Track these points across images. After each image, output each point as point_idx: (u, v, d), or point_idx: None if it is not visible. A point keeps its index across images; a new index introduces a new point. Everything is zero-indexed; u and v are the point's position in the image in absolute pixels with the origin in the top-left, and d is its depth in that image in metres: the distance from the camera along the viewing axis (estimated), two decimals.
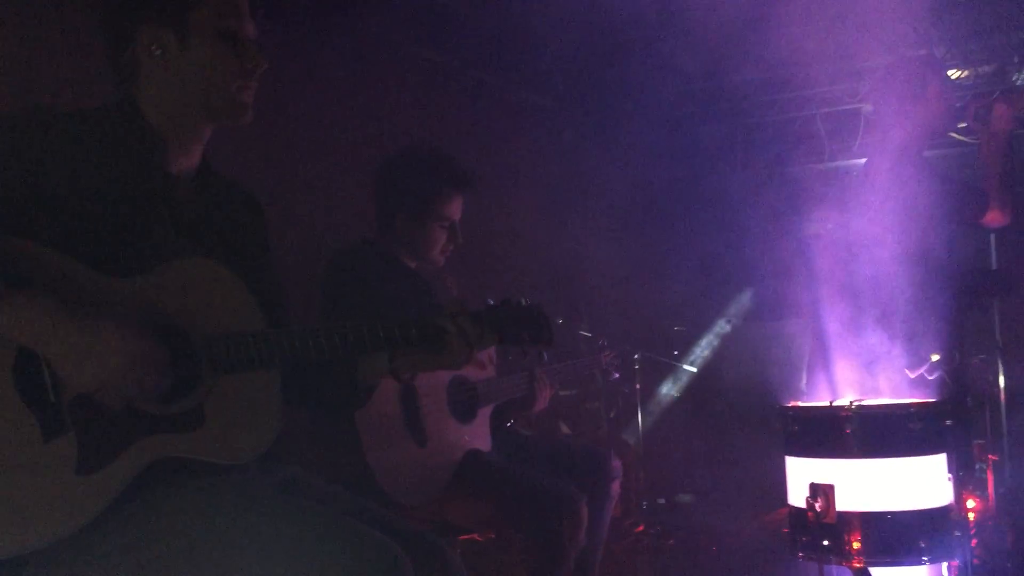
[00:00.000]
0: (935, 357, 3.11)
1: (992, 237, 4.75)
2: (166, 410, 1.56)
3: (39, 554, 1.48)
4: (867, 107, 3.58)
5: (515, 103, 5.66)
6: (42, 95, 3.10)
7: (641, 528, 4.83)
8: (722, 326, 5.57)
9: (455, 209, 2.81)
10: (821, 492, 2.89)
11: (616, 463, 2.83)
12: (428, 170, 2.79)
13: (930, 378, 3.14)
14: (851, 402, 2.97)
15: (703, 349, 5.65)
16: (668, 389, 5.57)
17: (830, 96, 5.14)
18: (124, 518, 1.53)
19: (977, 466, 3.64)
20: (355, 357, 1.85)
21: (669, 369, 5.46)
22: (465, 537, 3.39)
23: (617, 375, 3.84)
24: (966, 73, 5.07)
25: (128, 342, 1.49)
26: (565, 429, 5.08)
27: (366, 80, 4.40)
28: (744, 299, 5.48)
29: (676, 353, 5.53)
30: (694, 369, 5.44)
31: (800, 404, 3.20)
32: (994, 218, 3.42)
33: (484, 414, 2.75)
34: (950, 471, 2.99)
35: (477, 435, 2.71)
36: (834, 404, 3.00)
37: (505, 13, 4.27)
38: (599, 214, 5.76)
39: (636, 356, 5.01)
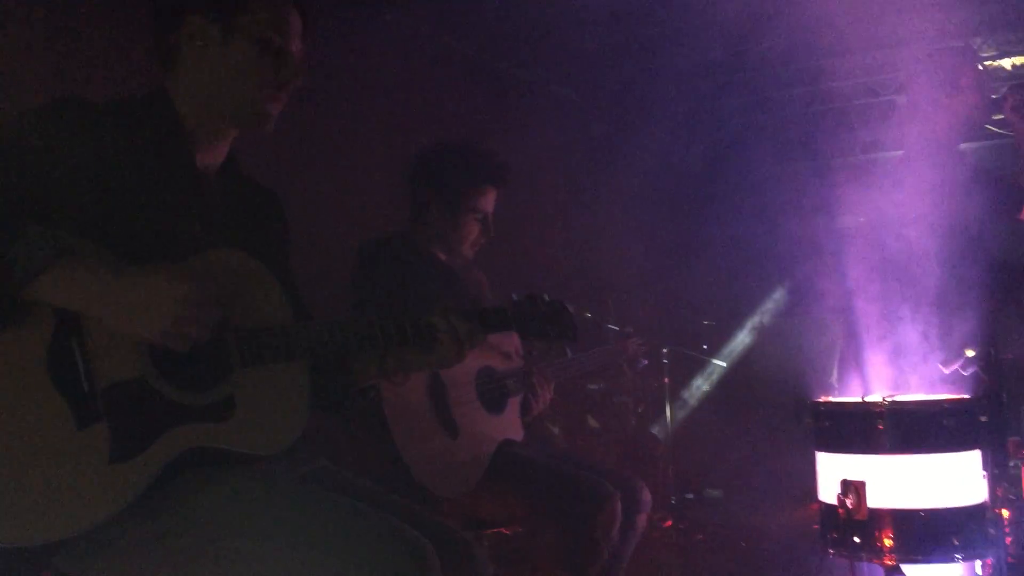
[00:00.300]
0: (970, 352, 3.07)
1: None
2: (198, 400, 1.58)
3: (71, 541, 1.49)
4: (901, 98, 3.53)
5: (541, 96, 5.64)
6: (74, 87, 3.14)
7: (669, 523, 4.81)
8: (759, 319, 5.52)
9: (489, 202, 2.81)
10: (852, 488, 2.86)
11: (646, 496, 2.77)
12: (463, 163, 2.79)
13: (965, 373, 3.09)
14: (883, 397, 2.94)
15: (739, 343, 5.61)
16: (699, 385, 5.53)
17: (863, 87, 5.08)
18: (155, 506, 1.54)
19: (1012, 463, 3.58)
20: (357, 353, 1.84)
21: (698, 363, 5.42)
22: (492, 531, 3.39)
23: (645, 362, 3.77)
24: (1004, 63, 4.99)
25: (177, 286, 1.52)
26: (593, 423, 5.07)
27: (395, 73, 4.40)
28: (778, 296, 5.43)
29: (705, 347, 5.50)
30: (724, 364, 5.41)
31: (831, 399, 3.17)
32: None
33: (514, 404, 2.75)
34: (984, 468, 2.95)
35: (509, 425, 2.70)
36: (866, 399, 2.97)
37: (528, 3, 4.26)
38: (627, 207, 5.73)
39: (665, 350, 4.99)
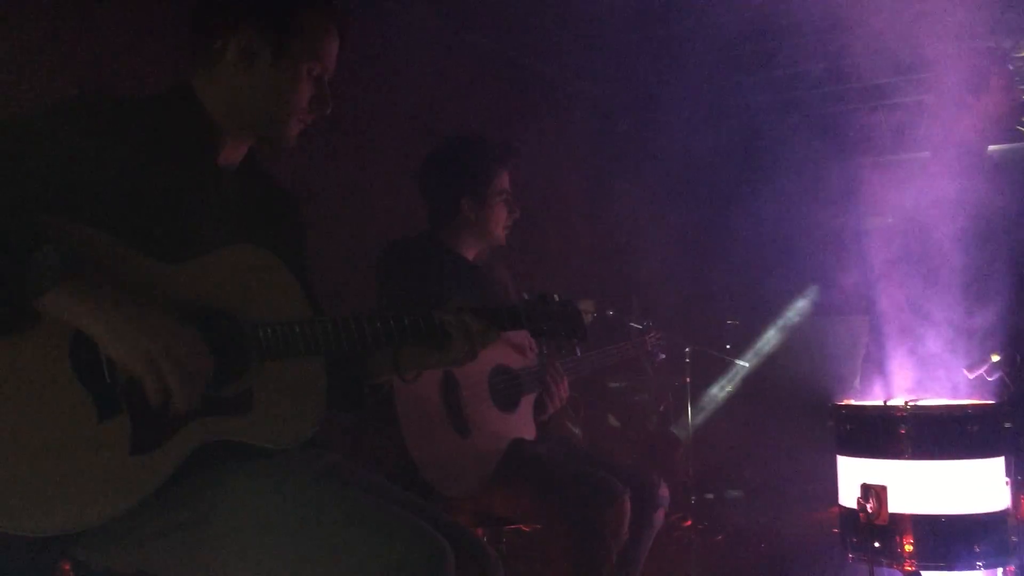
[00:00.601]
0: (995, 357, 3.03)
1: None
2: (217, 393, 1.59)
3: (91, 532, 1.51)
4: (929, 97, 3.50)
5: (564, 92, 5.63)
6: (104, 82, 3.17)
7: (689, 523, 4.80)
8: (791, 317, 5.47)
9: (508, 181, 2.85)
10: (873, 493, 2.84)
11: (664, 491, 2.76)
12: (480, 150, 2.82)
13: (990, 379, 3.06)
14: (906, 402, 2.91)
15: (766, 343, 5.57)
16: (722, 386, 5.50)
17: (890, 87, 5.02)
18: (174, 499, 1.55)
19: None
20: (372, 349, 1.85)
21: (721, 363, 5.40)
22: (511, 528, 3.40)
23: (663, 355, 3.75)
24: None
25: (171, 329, 1.50)
26: (613, 422, 5.07)
27: (418, 71, 4.41)
28: (809, 295, 5.38)
29: (728, 347, 5.47)
30: (746, 364, 5.38)
31: (853, 403, 3.14)
32: None
33: (527, 402, 2.74)
34: (1008, 475, 2.92)
35: (521, 424, 2.70)
36: (888, 403, 2.95)
37: None
38: (652, 204, 5.71)
39: (687, 349, 4.97)
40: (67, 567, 1.65)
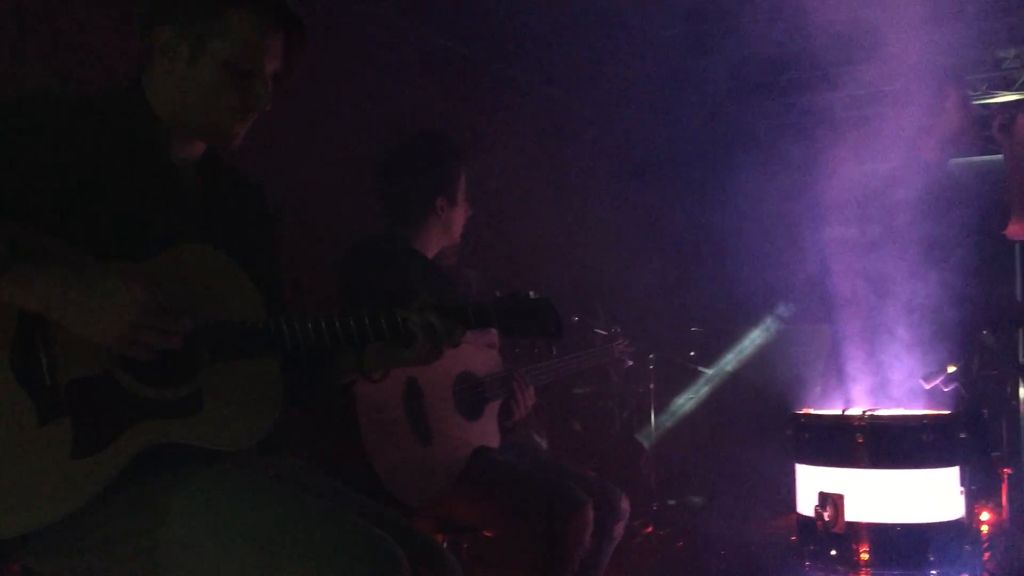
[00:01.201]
0: (951, 368, 3.08)
1: (1017, 250, 4.69)
2: (164, 395, 1.57)
3: (34, 539, 1.49)
4: (889, 111, 3.55)
5: (526, 95, 5.63)
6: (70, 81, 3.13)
7: (650, 529, 4.82)
8: (768, 327, 5.49)
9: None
10: (830, 501, 2.87)
11: (625, 504, 2.76)
12: (449, 148, 2.82)
13: (946, 390, 3.10)
14: (864, 411, 2.95)
15: (741, 352, 5.58)
16: (689, 397, 5.51)
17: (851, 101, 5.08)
18: (120, 504, 1.53)
19: (992, 479, 3.59)
20: (333, 348, 1.83)
21: (684, 369, 5.43)
22: (472, 534, 3.39)
23: (631, 363, 3.74)
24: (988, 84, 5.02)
25: (140, 292, 1.51)
26: (577, 427, 5.07)
27: (380, 71, 4.39)
28: (776, 313, 5.40)
29: (692, 354, 5.50)
30: (710, 371, 5.41)
31: (812, 412, 3.18)
32: (1016, 230, 3.37)
33: (492, 410, 2.74)
34: (963, 484, 2.96)
35: (485, 432, 2.69)
36: (846, 413, 2.98)
37: None
38: (617, 216, 5.74)
39: (651, 356, 4.99)
40: (15, 568, 1.62)
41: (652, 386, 5.13)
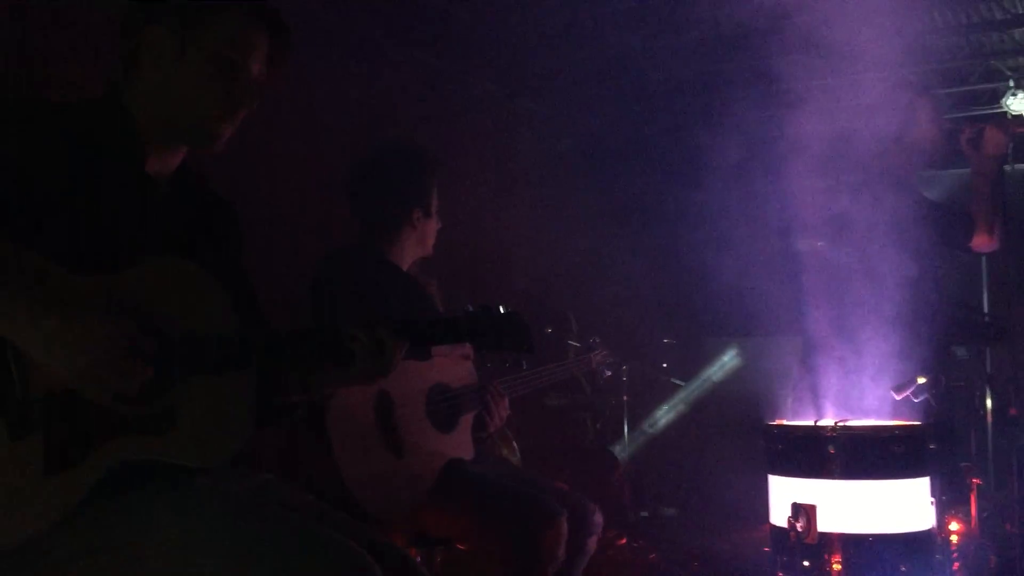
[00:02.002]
0: (921, 379, 3.10)
1: (983, 263, 4.75)
2: (137, 411, 1.54)
3: (5, 554, 1.46)
4: (859, 123, 3.59)
5: (511, 111, 5.65)
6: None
7: (624, 541, 4.81)
8: (731, 358, 5.51)
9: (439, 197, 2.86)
10: (803, 512, 2.88)
11: (598, 519, 2.74)
12: (424, 160, 2.80)
13: (916, 400, 3.13)
14: (835, 423, 2.96)
15: (713, 374, 5.58)
16: (666, 412, 5.50)
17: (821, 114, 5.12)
18: (91, 520, 1.51)
19: (961, 489, 3.63)
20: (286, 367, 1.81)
21: (658, 382, 5.44)
22: (447, 547, 3.36)
23: (609, 373, 3.72)
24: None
25: (111, 328, 1.48)
26: (550, 439, 5.06)
27: (353, 84, 4.39)
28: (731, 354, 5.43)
29: (665, 365, 5.52)
30: (682, 383, 5.43)
31: (784, 423, 3.19)
32: (982, 243, 3.42)
33: (466, 422, 2.72)
34: (933, 495, 2.98)
35: (458, 444, 2.67)
36: (818, 424, 3.00)
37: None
38: (589, 228, 5.75)
39: (624, 368, 5.00)
40: None
41: (625, 398, 5.14)
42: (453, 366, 2.70)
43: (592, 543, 2.67)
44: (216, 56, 1.69)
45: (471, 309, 1.97)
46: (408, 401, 2.53)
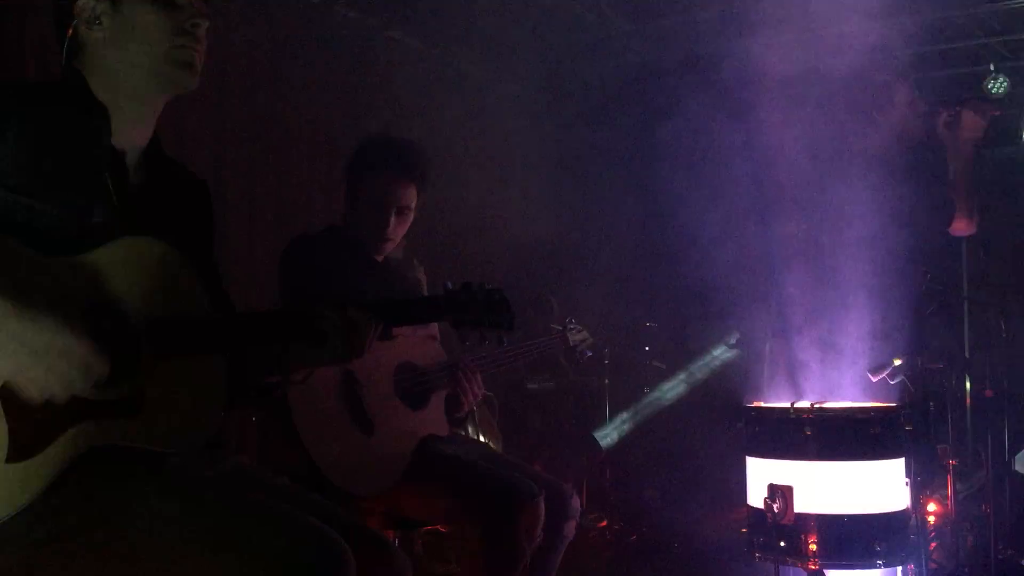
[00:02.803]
0: (897, 361, 3.12)
1: (963, 247, 4.76)
2: (104, 395, 1.53)
3: None
4: (839, 105, 3.59)
5: (495, 91, 5.63)
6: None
7: (604, 523, 4.84)
8: (724, 350, 5.49)
9: (406, 195, 2.78)
10: (779, 493, 2.90)
11: (575, 502, 2.74)
12: (384, 154, 2.78)
13: (892, 382, 3.15)
14: (812, 404, 2.98)
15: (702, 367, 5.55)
16: (655, 396, 5.47)
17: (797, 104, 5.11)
18: (57, 506, 1.49)
19: (937, 471, 3.65)
20: (257, 348, 1.80)
21: (639, 365, 5.44)
22: (428, 529, 3.37)
23: (589, 354, 3.70)
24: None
25: (65, 341, 1.44)
26: (531, 422, 5.08)
27: (333, 66, 4.36)
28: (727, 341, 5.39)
29: (647, 349, 5.52)
30: (663, 365, 5.43)
31: (761, 404, 3.21)
32: (960, 227, 3.43)
33: (439, 399, 2.71)
34: (908, 476, 3.01)
35: (431, 421, 2.66)
36: (795, 406, 3.01)
37: None
38: (573, 210, 5.75)
39: (606, 351, 5.01)
40: None
41: (607, 381, 5.14)
42: (419, 345, 2.70)
43: (570, 527, 2.67)
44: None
45: (450, 286, 1.96)
46: (375, 379, 2.53)
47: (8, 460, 1.43)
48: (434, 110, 4.91)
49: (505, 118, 5.47)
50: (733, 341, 5.28)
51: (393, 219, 2.73)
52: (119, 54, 1.68)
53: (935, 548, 3.50)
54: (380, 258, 2.83)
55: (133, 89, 1.71)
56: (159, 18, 1.68)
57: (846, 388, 3.23)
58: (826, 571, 2.88)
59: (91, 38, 1.68)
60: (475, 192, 5.17)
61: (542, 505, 2.52)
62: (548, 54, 5.34)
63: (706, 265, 4.01)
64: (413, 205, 2.77)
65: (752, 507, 3.06)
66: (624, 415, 5.29)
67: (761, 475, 3.01)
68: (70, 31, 1.67)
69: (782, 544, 2.91)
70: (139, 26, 1.67)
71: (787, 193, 3.44)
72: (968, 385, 4.13)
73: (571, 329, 3.41)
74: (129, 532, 1.50)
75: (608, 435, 5.12)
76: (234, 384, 1.76)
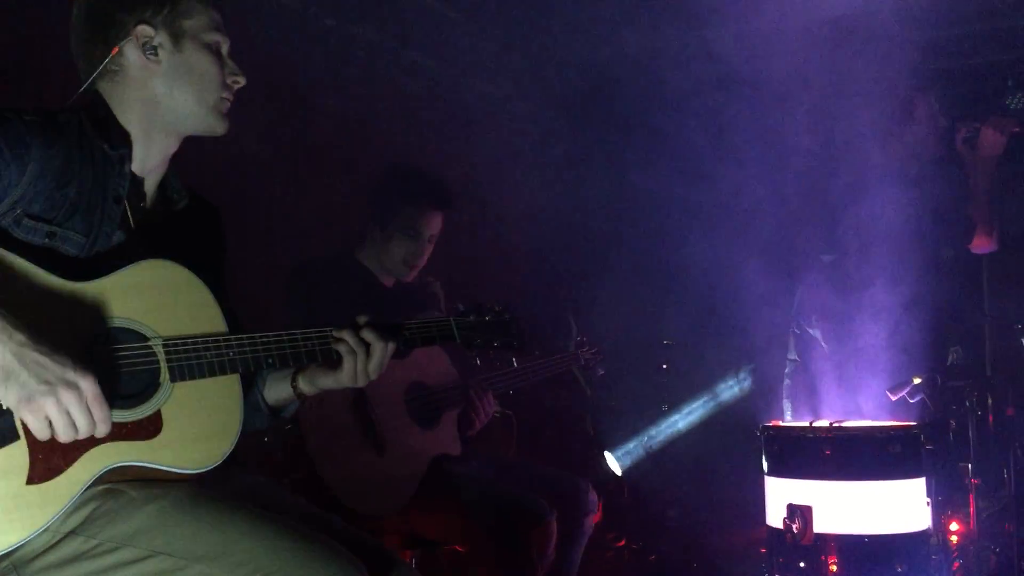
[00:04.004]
0: (917, 380, 3.10)
1: (984, 264, 4.73)
2: (123, 416, 1.54)
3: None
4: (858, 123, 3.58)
5: (509, 113, 5.64)
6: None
7: (623, 542, 4.81)
8: (741, 380, 5.46)
9: (430, 224, 2.83)
10: (799, 513, 2.87)
11: (593, 497, 2.74)
12: (401, 186, 2.81)
13: (912, 401, 3.12)
14: (831, 423, 2.96)
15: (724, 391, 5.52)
16: (675, 420, 5.43)
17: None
18: (80, 526, 1.51)
19: (959, 489, 3.62)
20: (272, 370, 1.82)
21: (657, 384, 5.42)
22: (447, 549, 3.36)
23: (602, 372, 3.69)
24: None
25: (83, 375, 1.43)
26: (546, 439, 5.05)
27: (342, 89, 4.38)
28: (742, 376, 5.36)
29: (664, 367, 5.50)
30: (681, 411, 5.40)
31: (780, 424, 3.19)
32: (981, 243, 3.41)
33: (450, 418, 2.72)
34: (929, 495, 2.97)
35: (443, 440, 2.67)
36: (814, 425, 2.99)
37: None
38: (589, 226, 5.74)
39: (621, 368, 4.99)
40: None
41: (623, 399, 5.12)
42: (428, 363, 2.71)
43: (590, 522, 2.68)
44: (205, 42, 1.75)
45: (461, 308, 1.98)
46: (385, 400, 2.54)
47: (28, 482, 1.44)
48: (444, 137, 4.92)
49: (513, 141, 5.49)
50: (745, 374, 5.26)
51: (427, 248, 2.80)
52: (169, 90, 1.73)
53: (958, 568, 3.45)
54: (390, 284, 2.85)
55: (171, 124, 1.76)
56: (215, 69, 1.76)
57: (865, 407, 3.20)
58: None
59: (138, 65, 1.71)
60: (493, 210, 5.19)
61: (553, 524, 2.53)
62: (548, 54, 5.33)
63: (723, 284, 4.00)
64: (438, 232, 2.83)
65: (771, 527, 3.04)
66: (641, 435, 5.26)
67: (781, 495, 2.99)
68: (116, 50, 1.69)
69: (802, 565, 2.88)
70: (196, 70, 1.74)
71: (807, 210, 3.43)
72: (990, 403, 4.09)
73: (583, 347, 3.42)
74: (144, 553, 1.52)
75: (624, 456, 5.10)
76: (249, 404, 1.77)
